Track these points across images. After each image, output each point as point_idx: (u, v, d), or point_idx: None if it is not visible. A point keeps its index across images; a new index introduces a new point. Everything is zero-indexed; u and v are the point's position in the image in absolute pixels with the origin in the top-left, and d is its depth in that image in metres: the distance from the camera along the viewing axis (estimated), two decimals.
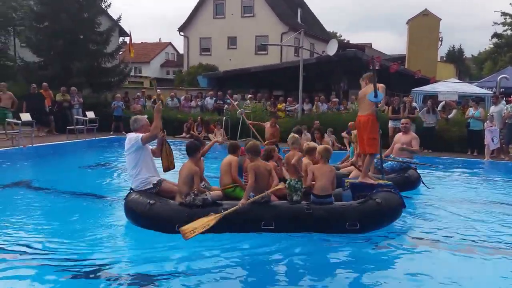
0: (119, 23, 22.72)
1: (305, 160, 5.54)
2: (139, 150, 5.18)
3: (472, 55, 56.27)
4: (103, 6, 20.81)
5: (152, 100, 17.05)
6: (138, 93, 18.06)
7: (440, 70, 33.66)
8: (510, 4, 37.33)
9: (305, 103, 16.30)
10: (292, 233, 4.78)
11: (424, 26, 34.12)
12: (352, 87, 19.78)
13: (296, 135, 5.75)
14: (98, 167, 9.29)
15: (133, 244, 4.69)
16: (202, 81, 23.31)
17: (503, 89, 16.61)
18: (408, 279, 3.87)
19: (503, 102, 12.89)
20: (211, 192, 5.03)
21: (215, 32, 31.03)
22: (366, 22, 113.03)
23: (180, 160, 6.91)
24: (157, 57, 47.07)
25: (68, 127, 14.09)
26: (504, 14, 38.53)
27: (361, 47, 30.45)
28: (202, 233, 4.37)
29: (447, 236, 4.98)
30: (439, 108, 13.95)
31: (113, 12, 41.43)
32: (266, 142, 9.09)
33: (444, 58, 52.34)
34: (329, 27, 49.91)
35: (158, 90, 13.36)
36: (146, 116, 5.70)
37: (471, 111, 12.36)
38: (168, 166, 5.65)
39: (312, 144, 5.88)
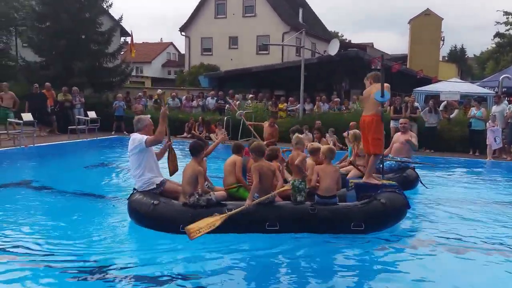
0: (120, 23, 22.76)
1: (309, 160, 5.52)
2: (143, 151, 5.17)
3: (474, 55, 56.26)
4: (105, 6, 20.86)
5: (154, 100, 17.06)
6: (140, 93, 18.09)
7: (442, 69, 33.58)
8: None
9: (306, 103, 16.21)
10: (297, 233, 4.76)
11: (426, 25, 34.12)
12: (354, 87, 19.75)
13: (300, 136, 5.73)
14: (100, 167, 9.29)
15: (136, 245, 4.66)
16: (204, 81, 23.32)
17: (505, 89, 16.52)
18: (410, 280, 3.84)
19: (505, 101, 12.85)
20: (215, 193, 5.00)
21: (217, 32, 30.99)
22: (368, 21, 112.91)
23: (183, 160, 6.89)
24: (158, 57, 47.05)
25: (69, 127, 14.07)
26: (506, 13, 38.38)
27: (363, 47, 30.35)
28: (208, 233, 4.34)
29: (448, 238, 4.94)
30: (441, 108, 13.89)
31: (114, 12, 41.47)
32: (265, 142, 9.04)
33: (446, 58, 52.34)
34: (330, 27, 49.80)
35: (159, 90, 13.37)
36: (149, 116, 5.69)
37: (473, 111, 12.32)
38: (173, 170, 5.73)
39: (316, 144, 5.86)
